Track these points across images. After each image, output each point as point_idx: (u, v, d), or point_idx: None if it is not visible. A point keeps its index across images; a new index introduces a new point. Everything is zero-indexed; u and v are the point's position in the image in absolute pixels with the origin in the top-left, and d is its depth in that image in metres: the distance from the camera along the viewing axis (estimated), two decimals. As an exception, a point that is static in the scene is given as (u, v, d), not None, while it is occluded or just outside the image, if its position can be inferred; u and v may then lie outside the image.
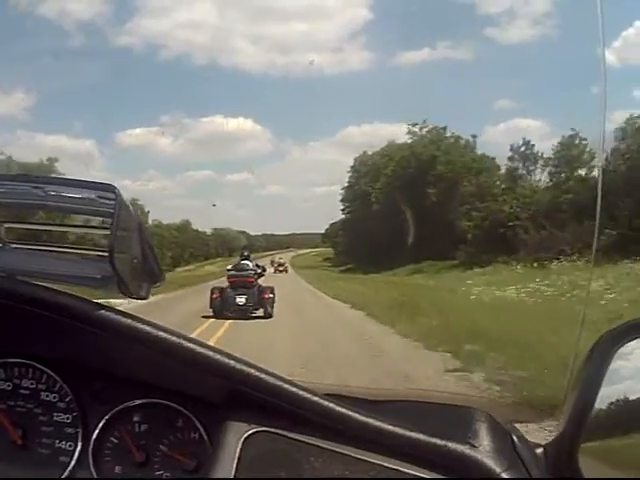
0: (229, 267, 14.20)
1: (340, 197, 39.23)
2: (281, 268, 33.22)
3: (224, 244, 48.84)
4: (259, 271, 13.76)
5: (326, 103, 45.40)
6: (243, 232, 51.69)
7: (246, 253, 14.66)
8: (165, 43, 52.79)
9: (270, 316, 12.61)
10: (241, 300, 12.67)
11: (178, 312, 12.44)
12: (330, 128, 49.55)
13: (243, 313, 12.51)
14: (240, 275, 13.25)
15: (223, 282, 13.93)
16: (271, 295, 12.82)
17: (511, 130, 41.61)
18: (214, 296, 12.77)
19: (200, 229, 44.82)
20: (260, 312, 12.74)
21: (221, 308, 12.60)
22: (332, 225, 48.63)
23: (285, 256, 42.28)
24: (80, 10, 39.91)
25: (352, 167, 38.46)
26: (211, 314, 12.58)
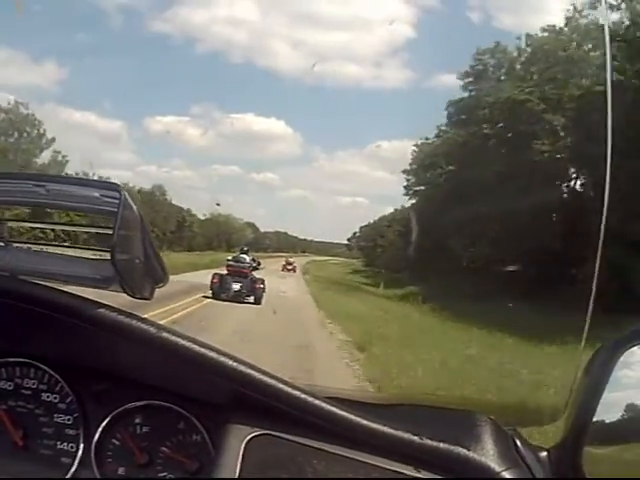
0: (229, 258, 16.46)
1: (407, 174, 25.12)
2: (289, 267, 32.10)
3: (222, 235, 40.20)
4: (254, 265, 15.98)
5: (359, 115, 45.04)
6: (251, 224, 44.44)
7: (245, 248, 16.93)
8: (203, 36, 52.46)
9: (259, 303, 14.50)
10: (236, 286, 14.70)
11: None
12: (360, 140, 49.22)
13: (236, 297, 14.45)
14: (237, 266, 15.33)
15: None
16: (261, 286, 14.91)
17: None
18: (214, 280, 14.75)
19: (183, 206, 36.19)
20: (251, 299, 14.73)
21: (219, 291, 14.58)
22: (364, 228, 42.80)
23: (298, 261, 37.19)
24: None
25: (469, 83, 20.24)
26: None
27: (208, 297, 14.23)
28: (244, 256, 15.98)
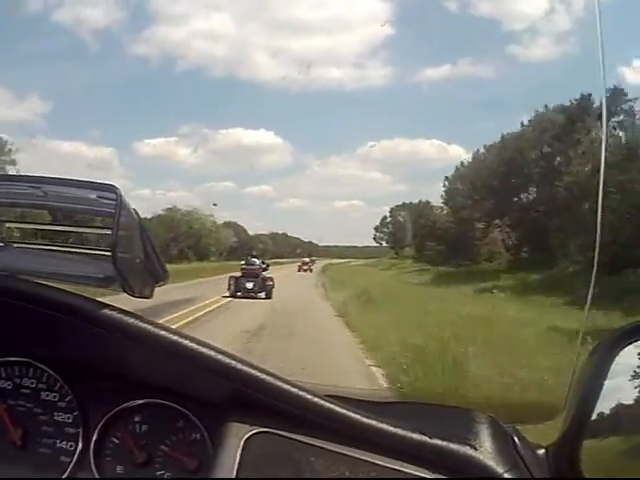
0: (242, 262, 19.14)
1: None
2: (305, 267, 29.47)
3: (184, 239, 28.32)
4: (264, 266, 19.07)
5: (347, 118, 44.62)
6: (233, 224, 34.14)
7: (254, 253, 20.42)
8: (183, 53, 51.99)
9: (270, 297, 16.92)
10: (249, 285, 17.46)
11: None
12: (350, 143, 48.80)
13: (250, 294, 17.07)
14: (250, 268, 18.24)
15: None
16: (271, 283, 17.59)
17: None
18: (231, 282, 17.72)
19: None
20: (262, 295, 17.28)
21: (235, 290, 17.39)
22: (397, 210, 34.13)
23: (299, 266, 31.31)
24: (96, 17, 39.65)
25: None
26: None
27: (226, 296, 16.91)
28: (255, 260, 19.26)
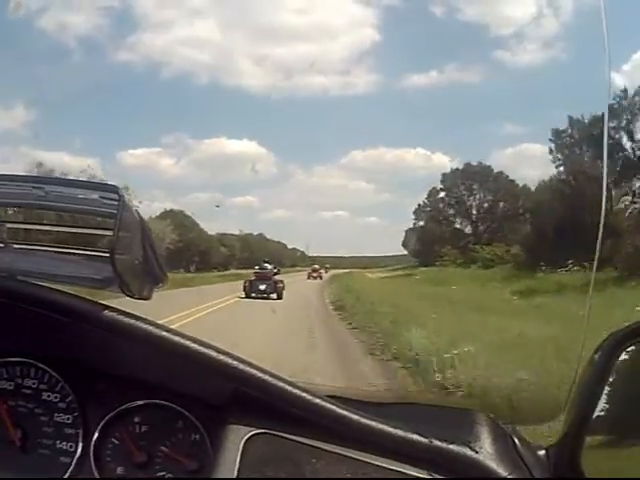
0: (257, 267, 21.28)
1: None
2: (315, 274, 28.58)
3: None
4: (275, 271, 21.09)
5: (331, 127, 43.90)
6: (172, 213, 26.48)
7: (267, 259, 22.39)
8: (166, 61, 51.47)
9: (281, 298, 18.96)
10: (262, 287, 19.59)
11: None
12: (335, 152, 47.96)
13: (263, 295, 19.10)
14: (263, 272, 20.54)
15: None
16: (281, 285, 19.71)
17: (519, 155, 36.19)
18: (246, 284, 19.92)
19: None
20: (274, 295, 19.25)
21: (249, 291, 19.51)
22: (447, 182, 25.28)
23: (298, 278, 26.64)
24: (79, 25, 39.05)
25: None
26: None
27: (242, 297, 19.29)
28: (267, 265, 21.20)
